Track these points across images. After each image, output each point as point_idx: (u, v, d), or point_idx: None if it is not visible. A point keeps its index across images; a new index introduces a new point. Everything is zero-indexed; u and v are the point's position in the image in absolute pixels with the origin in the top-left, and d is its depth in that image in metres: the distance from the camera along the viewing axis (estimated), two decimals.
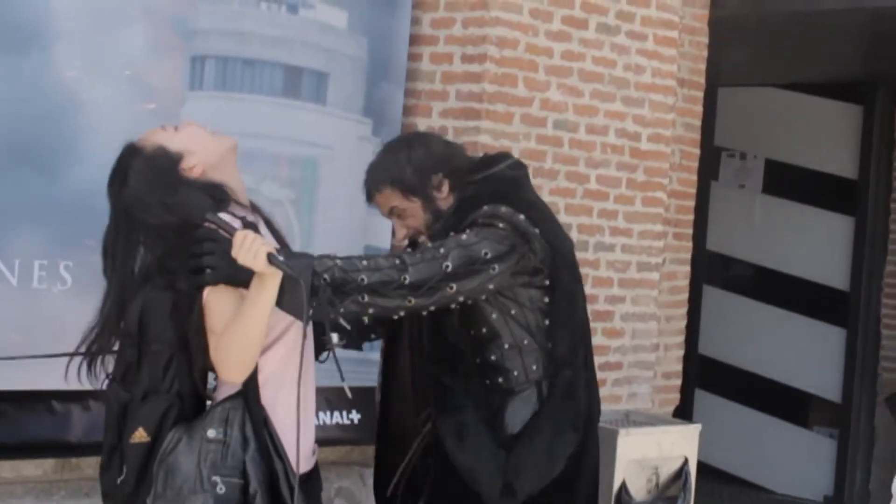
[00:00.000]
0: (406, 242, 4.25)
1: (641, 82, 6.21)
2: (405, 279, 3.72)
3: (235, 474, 3.44)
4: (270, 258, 3.37)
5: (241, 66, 5.44)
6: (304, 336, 3.46)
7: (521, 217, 3.96)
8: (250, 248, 3.36)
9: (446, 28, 5.88)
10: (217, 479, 3.43)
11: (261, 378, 3.52)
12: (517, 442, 4.02)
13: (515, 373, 4.05)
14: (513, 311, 4.01)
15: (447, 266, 3.77)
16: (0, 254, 4.91)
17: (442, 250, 3.80)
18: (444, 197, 4.17)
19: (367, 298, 3.69)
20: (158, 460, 3.44)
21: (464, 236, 3.87)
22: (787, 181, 9.07)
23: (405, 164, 4.20)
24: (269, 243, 3.41)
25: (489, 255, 3.84)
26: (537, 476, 4.02)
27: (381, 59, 5.85)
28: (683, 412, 7.93)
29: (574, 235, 5.87)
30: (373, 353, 5.87)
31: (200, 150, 3.62)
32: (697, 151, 7.08)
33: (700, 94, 7.06)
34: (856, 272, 8.62)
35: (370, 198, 4.29)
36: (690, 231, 7.23)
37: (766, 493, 8.90)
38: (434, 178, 4.16)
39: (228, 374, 3.48)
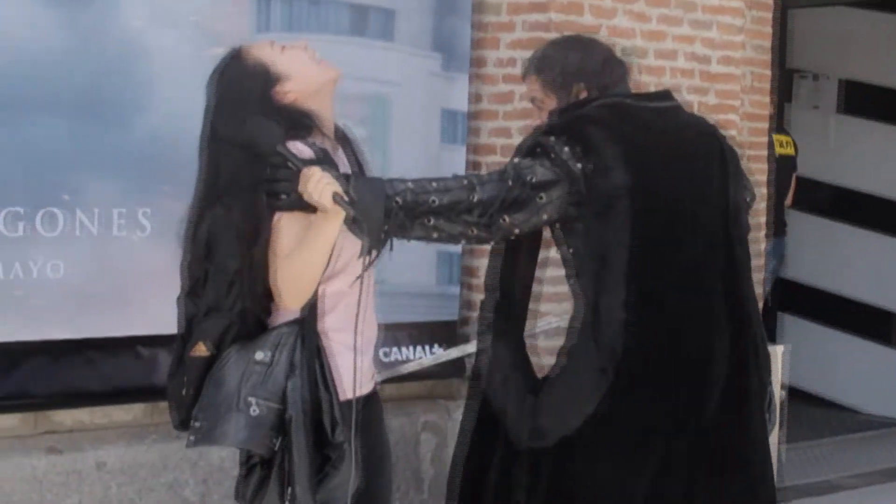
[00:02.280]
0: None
1: (709, 5, 6.06)
2: (474, 197, 3.65)
3: (273, 398, 3.39)
4: (335, 197, 3.33)
5: (307, 5, 5.39)
6: (365, 266, 3.46)
7: (566, 149, 3.79)
8: (316, 185, 3.33)
9: None
10: (252, 399, 3.38)
11: (322, 307, 3.47)
12: (544, 385, 3.93)
13: None
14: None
15: (506, 189, 3.68)
16: (79, 204, 4.91)
17: (504, 173, 3.73)
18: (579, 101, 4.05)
19: (433, 221, 3.65)
20: (210, 374, 3.44)
21: (517, 159, 3.81)
22: (861, 100, 8.84)
23: (556, 63, 4.12)
24: (335, 181, 3.34)
25: (534, 181, 3.73)
26: (564, 418, 3.89)
27: None
28: (768, 335, 7.76)
29: None
30: (453, 286, 5.84)
31: (300, 78, 3.54)
32: (769, 73, 6.90)
33: (769, 16, 6.91)
34: None
35: (523, 76, 4.26)
36: (764, 153, 7.04)
37: (852, 413, 8.73)
38: (575, 87, 4.07)
39: (286, 299, 3.44)
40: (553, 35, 5.52)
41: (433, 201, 3.62)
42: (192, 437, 3.46)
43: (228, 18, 5.15)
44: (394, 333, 5.67)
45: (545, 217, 3.77)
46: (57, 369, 4.91)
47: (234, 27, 5.09)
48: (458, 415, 5.70)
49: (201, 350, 3.47)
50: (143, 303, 4.98)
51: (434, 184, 3.66)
